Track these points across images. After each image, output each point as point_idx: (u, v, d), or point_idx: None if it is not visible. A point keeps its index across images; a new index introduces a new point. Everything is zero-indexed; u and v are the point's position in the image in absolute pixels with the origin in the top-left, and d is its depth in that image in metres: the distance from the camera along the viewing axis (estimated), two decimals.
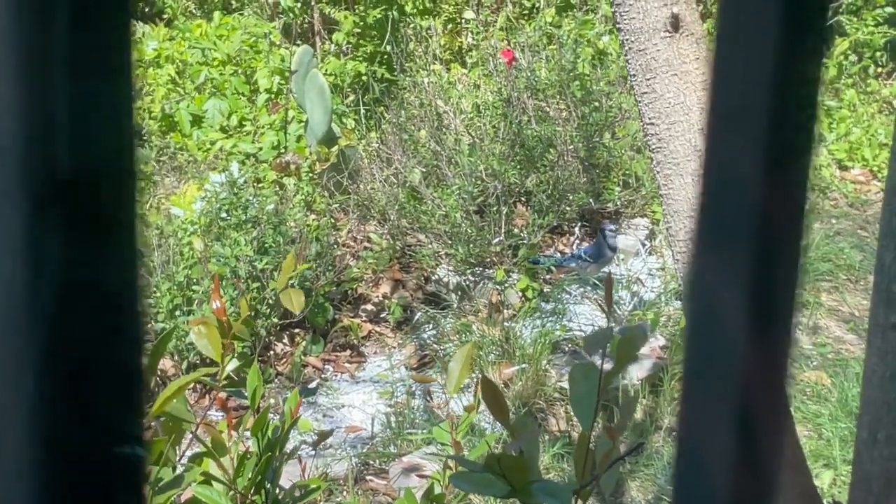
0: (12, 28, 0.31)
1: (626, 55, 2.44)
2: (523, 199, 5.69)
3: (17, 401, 0.33)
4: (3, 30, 0.31)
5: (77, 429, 0.33)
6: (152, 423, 1.38)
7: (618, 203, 5.84)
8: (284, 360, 4.77)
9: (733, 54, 0.37)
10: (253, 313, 4.50)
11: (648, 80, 2.38)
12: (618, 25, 2.44)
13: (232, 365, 1.57)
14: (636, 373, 4.39)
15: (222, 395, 1.65)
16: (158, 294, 4.50)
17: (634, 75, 2.41)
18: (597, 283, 5.27)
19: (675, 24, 2.34)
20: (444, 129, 5.78)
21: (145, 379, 0.34)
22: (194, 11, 7.63)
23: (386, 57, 6.77)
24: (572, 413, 4.24)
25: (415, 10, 7.01)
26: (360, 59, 6.78)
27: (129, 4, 0.33)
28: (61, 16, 0.31)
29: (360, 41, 6.88)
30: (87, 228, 0.32)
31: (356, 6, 7.02)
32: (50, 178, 0.31)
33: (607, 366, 1.45)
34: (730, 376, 0.38)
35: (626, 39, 2.41)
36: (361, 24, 6.91)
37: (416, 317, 5.17)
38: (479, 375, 4.30)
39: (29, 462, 0.33)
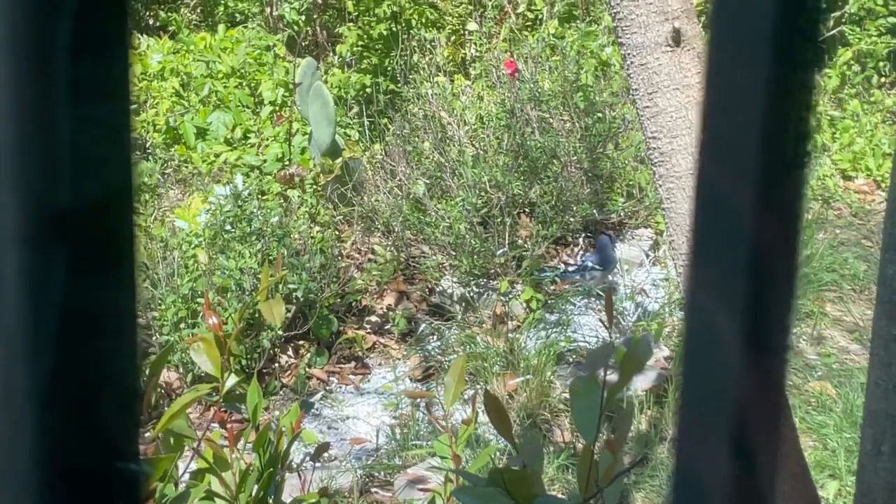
0: (11, 62, 0.31)
1: (627, 70, 2.45)
2: (527, 210, 5.69)
3: (21, 422, 0.33)
4: (4, 61, 0.31)
5: (79, 447, 0.34)
6: (155, 440, 1.38)
7: (621, 214, 5.84)
8: (289, 372, 4.77)
9: (727, 66, 0.37)
10: (257, 326, 4.50)
11: (650, 94, 2.39)
12: (619, 40, 2.45)
13: (231, 381, 1.57)
14: (640, 384, 4.38)
15: (222, 410, 1.66)
16: (163, 307, 4.50)
17: (636, 90, 2.42)
18: (601, 294, 5.27)
19: (677, 38, 2.34)
20: (447, 141, 5.79)
21: (144, 396, 0.35)
22: (199, 24, 7.65)
23: (390, 69, 6.79)
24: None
25: (420, 23, 7.02)
26: (365, 71, 6.80)
27: (128, 35, 0.33)
28: (61, 47, 0.31)
29: (364, 53, 6.90)
30: (87, 255, 0.33)
31: (360, 18, 7.03)
32: (51, 206, 0.32)
33: (611, 378, 1.45)
34: (726, 393, 0.39)
35: (628, 54, 2.41)
36: (366, 36, 6.92)
37: (421, 328, 5.17)
38: (482, 387, 4.30)
39: (34, 481, 0.34)
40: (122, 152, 0.33)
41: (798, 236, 0.39)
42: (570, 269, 5.48)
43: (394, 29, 6.88)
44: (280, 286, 4.46)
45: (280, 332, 4.63)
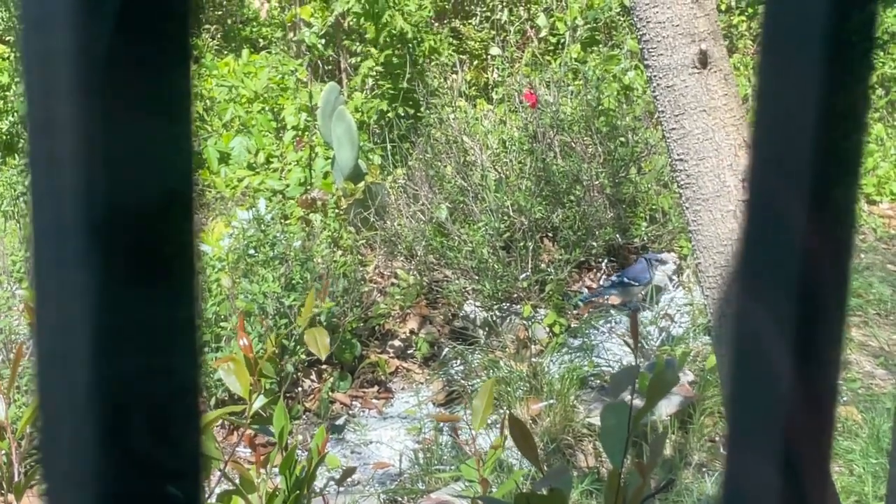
0: (78, 74, 0.31)
1: (653, 92, 2.44)
2: (550, 234, 5.69)
3: (63, 438, 0.33)
4: (70, 76, 0.31)
5: (123, 468, 0.33)
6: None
7: (644, 238, 5.83)
8: (312, 396, 4.76)
9: (779, 77, 0.37)
10: (280, 350, 4.50)
11: (677, 116, 2.38)
12: (645, 62, 2.45)
13: (259, 402, 1.56)
14: (665, 409, 4.36)
15: (250, 432, 1.65)
16: None
17: (663, 112, 2.41)
18: (626, 315, 5.26)
19: (704, 60, 2.34)
20: (470, 165, 5.79)
21: (199, 418, 0.34)
22: (221, 49, 7.68)
23: (410, 94, 6.79)
24: (601, 449, 4.22)
25: (439, 49, 7.03)
26: (384, 96, 6.81)
27: (190, 52, 0.33)
28: (126, 63, 0.32)
29: (381, 81, 6.90)
30: (144, 264, 0.32)
31: (381, 42, 7.05)
32: (109, 216, 0.32)
33: (637, 403, 1.45)
34: (775, 407, 0.38)
35: (654, 76, 2.41)
36: (384, 62, 6.93)
37: (444, 352, 5.16)
38: (507, 412, 4.28)
39: (74, 500, 0.33)
40: (180, 167, 0.33)
41: (850, 246, 0.38)
42: (605, 284, 5.48)
43: (411, 53, 6.88)
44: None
45: (303, 357, 4.63)
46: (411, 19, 6.85)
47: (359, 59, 6.97)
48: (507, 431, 1.62)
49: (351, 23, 6.87)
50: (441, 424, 4.53)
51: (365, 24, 6.76)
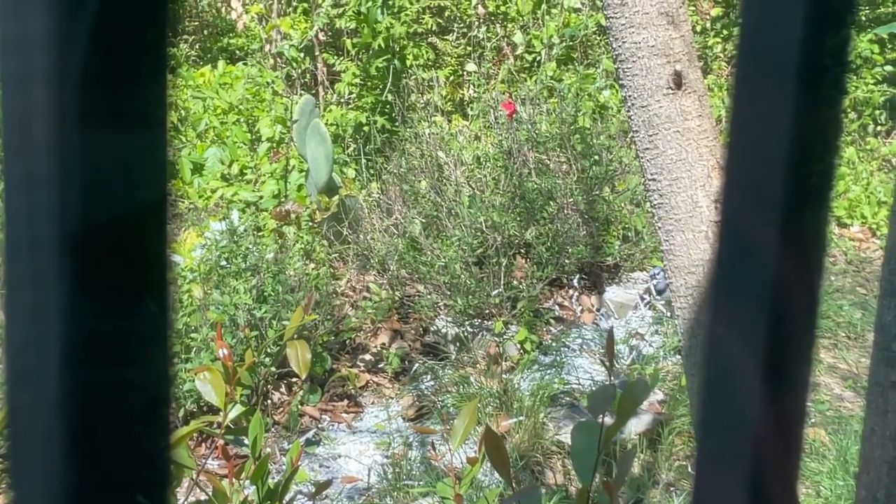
0: (50, 86, 0.31)
1: (628, 111, 2.45)
2: (523, 251, 5.69)
3: (32, 449, 0.33)
4: (42, 88, 0.31)
5: (92, 479, 0.33)
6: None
7: (617, 257, 5.84)
8: (281, 409, 4.75)
9: (752, 100, 0.37)
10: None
11: (651, 136, 2.39)
12: (621, 82, 2.46)
13: (235, 412, 1.56)
14: (635, 427, 4.37)
15: (222, 442, 1.65)
16: None
17: (637, 131, 2.42)
18: (598, 334, 5.27)
19: (678, 81, 2.35)
20: (444, 181, 5.79)
21: (169, 429, 0.34)
22: (197, 60, 7.67)
23: (388, 107, 6.80)
24: (570, 467, 4.22)
25: (417, 63, 7.05)
26: (362, 109, 6.81)
27: (167, 64, 0.33)
28: (99, 73, 0.31)
29: (362, 91, 6.91)
30: (117, 278, 0.32)
31: (359, 56, 7.05)
32: (83, 229, 0.32)
33: (609, 421, 1.45)
34: (744, 430, 0.38)
35: (629, 95, 2.42)
36: (363, 74, 6.94)
37: (415, 367, 5.15)
38: (485, 425, 4.28)
39: None
40: (155, 180, 0.33)
41: (820, 270, 0.39)
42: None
43: (394, 65, 6.89)
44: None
45: (273, 369, 4.61)
46: (408, 28, 6.86)
47: (340, 69, 6.97)
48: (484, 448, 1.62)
49: (346, 25, 6.86)
50: (411, 439, 4.52)
51: (359, 27, 6.76)
